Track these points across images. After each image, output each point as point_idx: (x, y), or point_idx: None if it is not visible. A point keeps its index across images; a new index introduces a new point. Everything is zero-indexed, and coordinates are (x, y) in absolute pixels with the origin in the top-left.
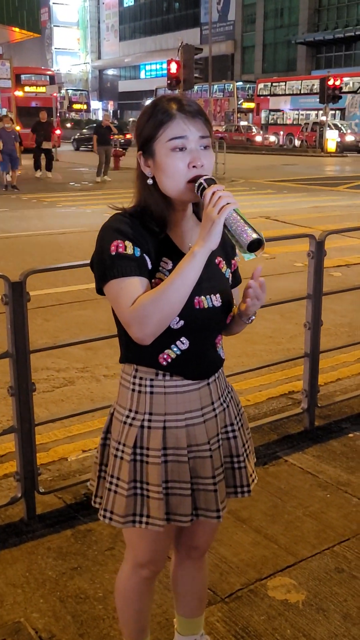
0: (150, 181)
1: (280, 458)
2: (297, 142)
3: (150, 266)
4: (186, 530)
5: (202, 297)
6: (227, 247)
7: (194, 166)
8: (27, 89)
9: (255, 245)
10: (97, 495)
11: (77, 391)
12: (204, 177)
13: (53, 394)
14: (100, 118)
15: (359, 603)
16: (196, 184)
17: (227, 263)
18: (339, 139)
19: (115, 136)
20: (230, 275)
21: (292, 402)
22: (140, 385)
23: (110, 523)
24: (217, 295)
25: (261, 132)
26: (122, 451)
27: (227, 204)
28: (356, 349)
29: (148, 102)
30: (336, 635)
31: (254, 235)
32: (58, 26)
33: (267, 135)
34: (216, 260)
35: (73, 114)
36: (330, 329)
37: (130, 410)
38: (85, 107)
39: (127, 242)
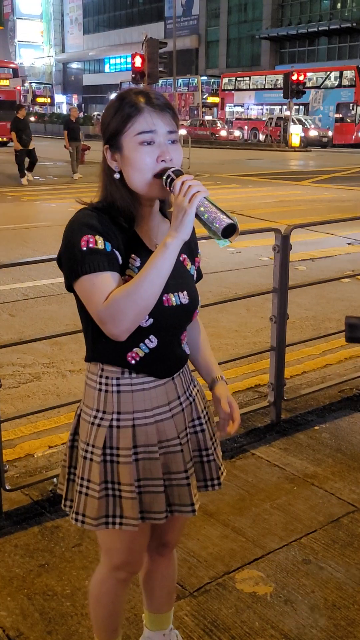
0: (117, 175)
1: (247, 451)
2: (261, 137)
3: (120, 261)
4: (157, 527)
5: (170, 294)
6: (191, 244)
7: (162, 160)
8: None
9: (229, 231)
10: (67, 498)
11: (42, 387)
12: (172, 169)
13: (19, 390)
14: (65, 112)
15: (326, 594)
16: (164, 177)
17: (191, 260)
18: (302, 134)
19: None
20: (195, 272)
21: (259, 395)
22: (106, 384)
23: (83, 526)
24: (185, 292)
25: (226, 126)
26: (92, 452)
27: (198, 192)
28: (321, 342)
29: (113, 95)
30: (304, 626)
31: (228, 221)
32: (21, 19)
33: (231, 130)
34: (181, 258)
35: (37, 107)
36: (295, 322)
37: (97, 411)
38: (49, 100)
39: (97, 237)
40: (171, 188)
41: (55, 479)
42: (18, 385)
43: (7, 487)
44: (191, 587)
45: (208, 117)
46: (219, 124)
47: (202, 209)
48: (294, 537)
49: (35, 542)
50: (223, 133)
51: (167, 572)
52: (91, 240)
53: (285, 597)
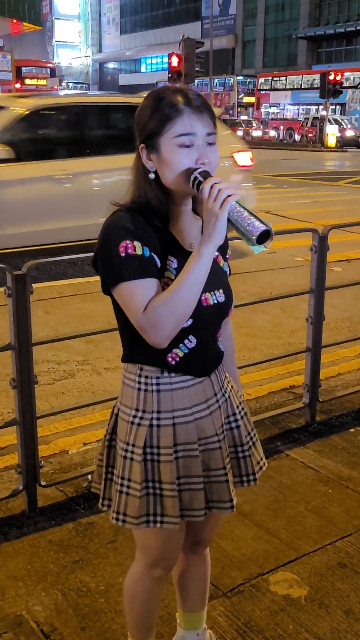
0: (152, 175)
1: (281, 452)
2: (297, 137)
3: (159, 265)
4: (193, 524)
5: (207, 293)
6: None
7: (202, 163)
8: (27, 81)
9: (264, 237)
10: (105, 497)
11: (77, 384)
12: (198, 170)
13: (54, 387)
14: None
15: None
16: (191, 178)
17: (223, 256)
18: (339, 134)
19: None
20: (228, 268)
21: (294, 396)
22: (146, 384)
23: (124, 525)
24: (220, 290)
25: (261, 126)
26: (132, 452)
27: (229, 196)
28: (356, 344)
29: (146, 92)
30: (338, 630)
31: (262, 227)
32: (59, 19)
33: (266, 130)
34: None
35: None
36: (330, 324)
37: (137, 410)
38: None
39: (135, 242)
40: (199, 190)
41: (90, 476)
42: (53, 382)
43: (42, 483)
44: (225, 588)
45: (243, 117)
46: (254, 124)
47: (234, 214)
48: (329, 541)
49: (69, 538)
50: (257, 133)
51: (201, 570)
52: (129, 245)
53: (320, 600)
